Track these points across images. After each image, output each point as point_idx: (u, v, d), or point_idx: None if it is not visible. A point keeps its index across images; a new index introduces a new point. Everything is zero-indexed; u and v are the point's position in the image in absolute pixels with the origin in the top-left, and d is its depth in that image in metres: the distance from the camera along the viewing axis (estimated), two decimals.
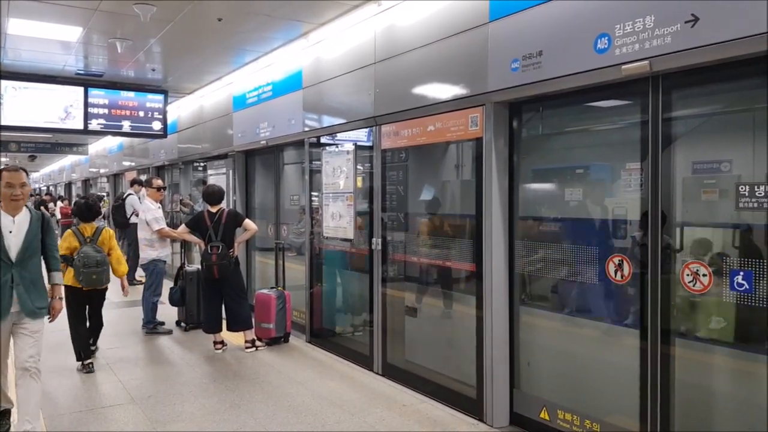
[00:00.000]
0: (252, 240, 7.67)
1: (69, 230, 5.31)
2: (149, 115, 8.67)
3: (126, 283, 5.61)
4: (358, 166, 5.41)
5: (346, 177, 5.53)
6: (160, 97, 8.71)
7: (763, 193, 2.73)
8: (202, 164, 9.69)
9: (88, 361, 5.25)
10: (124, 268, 5.45)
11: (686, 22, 2.79)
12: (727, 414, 3.03)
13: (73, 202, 6.77)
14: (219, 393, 4.70)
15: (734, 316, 2.96)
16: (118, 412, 4.31)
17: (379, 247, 5.07)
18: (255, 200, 8.19)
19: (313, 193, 6.25)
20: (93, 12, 5.48)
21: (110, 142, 15.34)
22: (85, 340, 5.32)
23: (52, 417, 4.18)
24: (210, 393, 4.70)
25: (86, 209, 5.31)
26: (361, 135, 5.34)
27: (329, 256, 6.14)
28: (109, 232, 5.38)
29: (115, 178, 15.87)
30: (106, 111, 8.34)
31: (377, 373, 5.12)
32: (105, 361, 5.57)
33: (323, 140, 6.00)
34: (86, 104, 8.16)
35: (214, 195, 5.98)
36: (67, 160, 22.97)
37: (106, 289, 5.38)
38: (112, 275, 5.35)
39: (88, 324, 5.40)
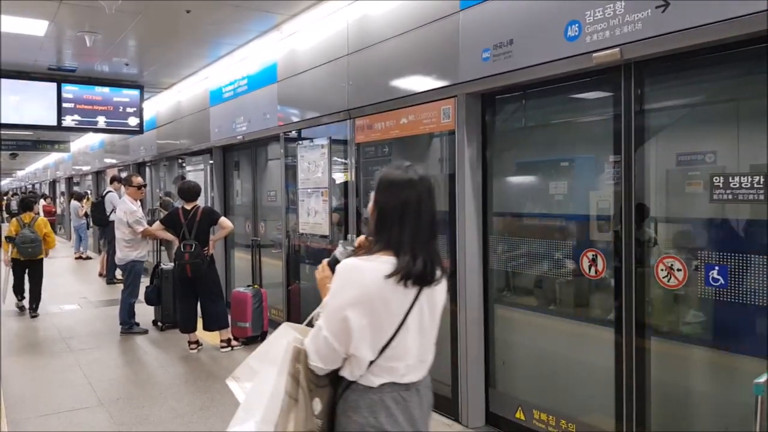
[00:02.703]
0: (231, 237, 7.53)
1: (14, 218, 7.33)
2: (125, 111, 8.48)
3: (49, 252, 7.56)
4: (334, 161, 5.29)
5: (322, 172, 5.40)
6: (136, 92, 8.51)
7: (738, 185, 2.63)
8: (182, 160, 9.53)
9: (21, 301, 7.65)
10: (51, 245, 7.54)
11: (657, 8, 2.68)
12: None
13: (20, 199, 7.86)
14: (190, 395, 4.58)
15: (710, 312, 2.87)
16: (84, 415, 4.18)
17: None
18: (233, 196, 8.04)
19: (289, 189, 6.11)
20: (58, 4, 5.30)
21: (92, 139, 15.10)
22: (21, 287, 7.62)
23: (16, 421, 4.05)
24: (181, 395, 4.58)
25: (23, 204, 7.53)
26: (336, 129, 5.20)
27: (306, 253, 6.02)
28: (43, 221, 7.43)
29: (98, 175, 15.64)
30: (80, 107, 8.14)
31: None
32: (77, 362, 5.43)
33: (298, 134, 5.87)
34: (59, 100, 7.96)
35: (189, 191, 5.83)
36: (51, 157, 22.66)
37: (41, 260, 7.38)
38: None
39: (27, 292, 7.50)
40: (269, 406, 1.66)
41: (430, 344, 1.81)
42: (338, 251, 1.88)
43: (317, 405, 1.71)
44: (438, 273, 1.74)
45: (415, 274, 1.66)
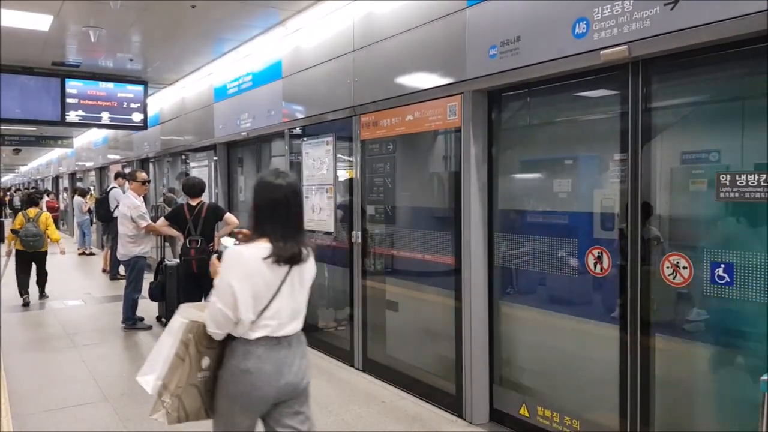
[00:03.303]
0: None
1: (20, 213, 7.74)
2: (129, 107, 8.49)
3: (62, 247, 7.97)
4: (338, 158, 5.29)
5: (327, 169, 5.40)
6: (140, 87, 8.52)
7: (744, 183, 2.63)
8: (186, 156, 9.53)
9: (25, 295, 7.85)
10: (55, 237, 7.80)
11: (666, 5, 2.68)
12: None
13: (22, 194, 8.39)
14: None
15: (715, 309, 2.87)
16: (89, 410, 4.19)
17: (360, 240, 4.96)
18: (237, 193, 8.05)
19: None
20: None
21: (95, 135, 15.12)
22: (24, 284, 7.89)
23: (19, 416, 4.06)
24: None
25: (29, 199, 7.97)
26: (341, 125, 5.20)
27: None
28: (46, 216, 7.79)
29: (101, 171, 15.65)
30: (84, 102, 8.15)
31: (358, 369, 5.02)
32: (81, 358, 5.45)
33: (303, 131, 5.87)
34: (63, 95, 7.97)
35: (194, 187, 5.83)
36: (55, 153, 22.67)
37: (45, 252, 7.91)
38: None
39: (36, 277, 8.03)
40: (163, 365, 2.20)
41: (300, 306, 2.32)
42: (225, 245, 2.35)
43: (206, 361, 2.24)
44: (305, 253, 2.27)
45: (285, 256, 2.19)
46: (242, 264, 2.15)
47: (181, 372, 2.19)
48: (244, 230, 2.44)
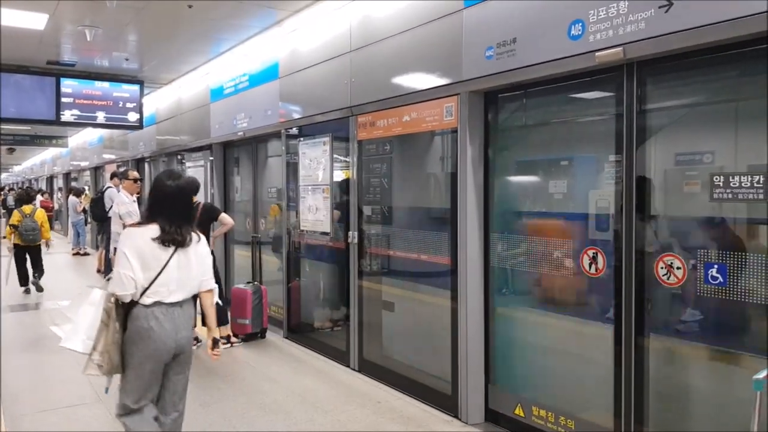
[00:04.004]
0: (230, 234, 7.53)
1: (16, 210, 8.42)
2: (125, 106, 8.47)
3: (49, 243, 8.67)
4: (335, 158, 5.29)
5: (323, 169, 5.40)
6: (136, 87, 8.50)
7: (738, 184, 2.65)
8: (182, 156, 9.51)
9: (26, 287, 8.63)
10: (47, 234, 8.45)
11: (660, 7, 2.70)
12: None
13: (17, 193, 8.89)
14: (189, 392, 4.51)
15: (709, 309, 2.89)
16: (83, 411, 4.18)
17: (356, 241, 4.96)
18: (233, 193, 8.04)
19: (290, 186, 6.12)
20: None
21: (90, 135, 15.07)
22: (24, 276, 8.66)
23: (13, 418, 4.04)
24: None
25: (27, 196, 8.89)
26: (338, 126, 5.21)
27: (307, 250, 6.03)
28: (41, 211, 8.50)
29: (96, 171, 15.59)
30: (79, 101, 8.12)
31: (354, 369, 5.03)
32: (74, 359, 5.41)
33: (299, 131, 5.87)
34: (58, 94, 7.94)
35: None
36: (49, 153, 22.58)
37: (39, 245, 8.49)
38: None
39: (31, 269, 8.65)
40: (90, 330, 2.81)
41: (188, 279, 2.89)
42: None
43: (119, 326, 2.82)
44: (189, 239, 2.89)
45: (169, 239, 2.82)
46: (132, 239, 2.82)
47: (106, 334, 2.77)
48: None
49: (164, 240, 2.80)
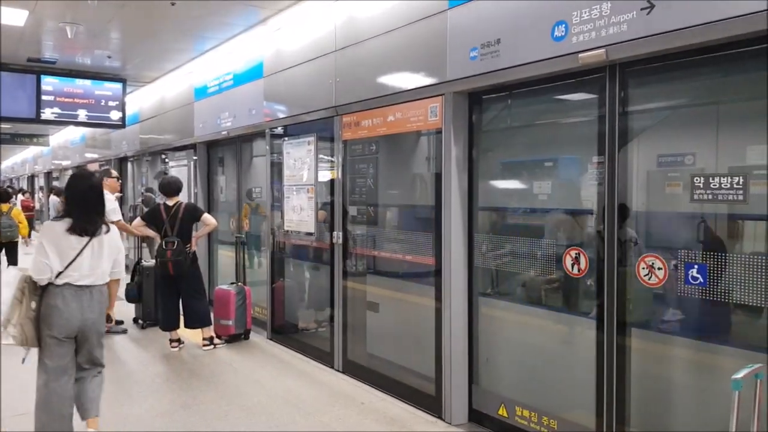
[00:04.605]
0: (215, 233, 7.47)
1: None
2: (107, 104, 8.35)
3: (27, 241, 8.77)
4: (320, 158, 5.26)
5: (308, 169, 5.37)
6: (119, 85, 8.39)
7: (718, 185, 2.67)
8: (165, 156, 9.41)
9: None
10: (24, 231, 8.58)
11: (642, 9, 2.72)
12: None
13: None
14: (171, 393, 4.53)
15: (689, 309, 2.91)
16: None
17: (340, 241, 4.94)
18: (217, 193, 7.97)
19: (275, 186, 6.07)
20: None
21: (72, 134, 14.86)
22: None
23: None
24: (161, 393, 4.53)
25: (6, 195, 8.65)
26: (322, 125, 5.18)
27: (291, 251, 5.99)
28: (17, 210, 8.64)
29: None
30: (60, 99, 8.00)
31: (338, 371, 5.00)
32: None
33: (284, 131, 5.83)
34: (39, 92, 7.81)
35: (169, 186, 5.76)
36: (30, 152, 22.22)
37: (16, 242, 8.54)
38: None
39: (7, 263, 8.35)
40: (4, 306, 3.20)
41: (99, 266, 3.35)
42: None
43: (33, 304, 3.24)
44: (100, 230, 3.37)
45: (81, 229, 3.28)
46: (50, 231, 3.29)
47: (20, 309, 3.21)
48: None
49: (77, 229, 3.27)
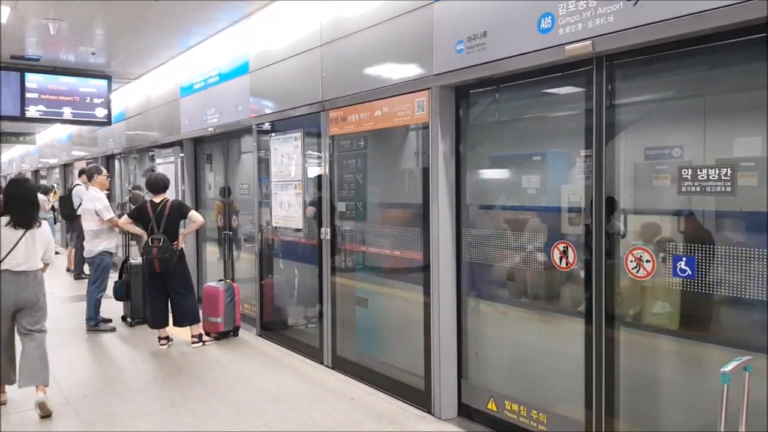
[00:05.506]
0: (203, 230, 7.41)
1: None
2: (92, 102, 8.25)
3: None
4: (307, 154, 5.22)
5: (295, 165, 5.34)
6: (103, 82, 8.30)
7: (705, 177, 2.67)
8: (152, 153, 9.33)
9: None
10: None
11: (628, 0, 2.70)
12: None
13: None
14: (159, 391, 4.49)
15: (678, 302, 2.91)
16: None
17: (329, 237, 4.91)
18: (204, 189, 7.90)
19: (262, 182, 6.03)
20: None
21: (59, 132, 14.69)
22: None
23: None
24: (150, 391, 4.49)
25: None
26: (309, 121, 5.14)
27: (279, 247, 5.95)
28: None
29: (65, 168, 15.22)
30: (44, 97, 7.89)
31: (327, 366, 4.98)
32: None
33: (271, 127, 5.78)
34: (23, 90, 7.71)
35: (156, 183, 5.71)
36: (17, 150, 21.96)
37: None
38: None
39: None
40: None
41: (33, 255, 4.00)
42: None
43: None
44: (34, 224, 4.02)
45: (17, 223, 3.95)
46: None
47: None
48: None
49: (14, 223, 3.93)
